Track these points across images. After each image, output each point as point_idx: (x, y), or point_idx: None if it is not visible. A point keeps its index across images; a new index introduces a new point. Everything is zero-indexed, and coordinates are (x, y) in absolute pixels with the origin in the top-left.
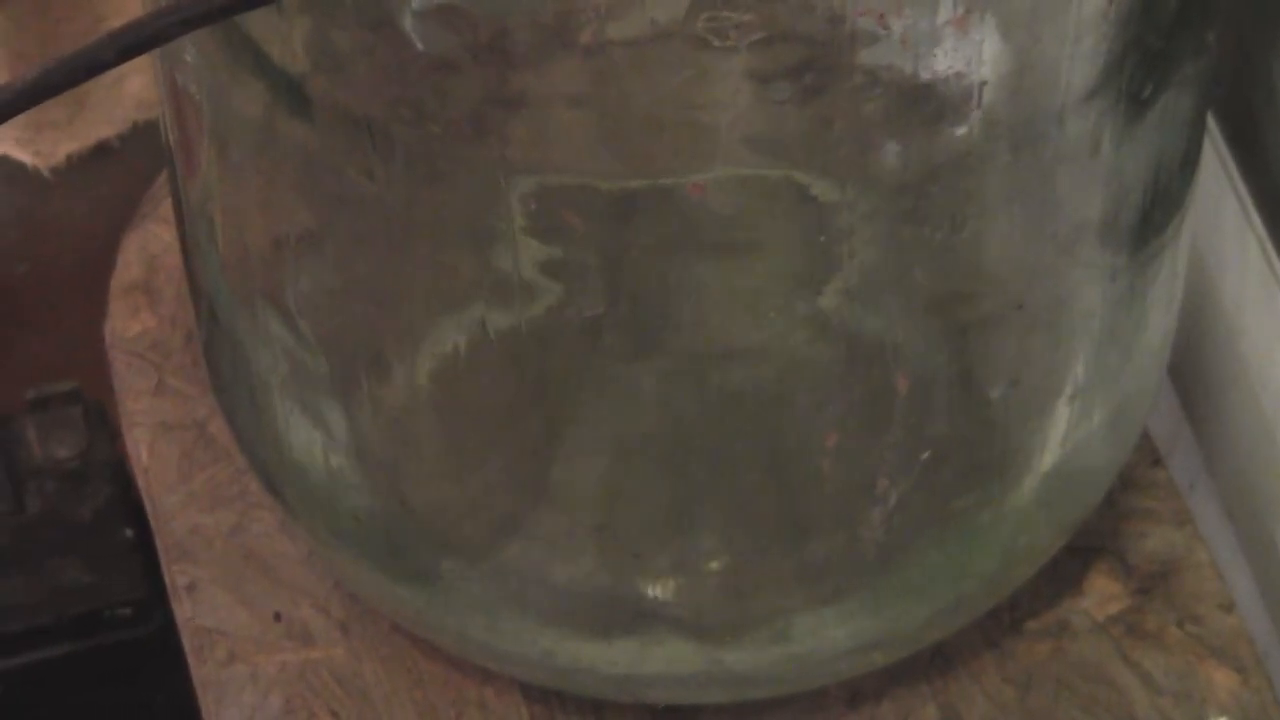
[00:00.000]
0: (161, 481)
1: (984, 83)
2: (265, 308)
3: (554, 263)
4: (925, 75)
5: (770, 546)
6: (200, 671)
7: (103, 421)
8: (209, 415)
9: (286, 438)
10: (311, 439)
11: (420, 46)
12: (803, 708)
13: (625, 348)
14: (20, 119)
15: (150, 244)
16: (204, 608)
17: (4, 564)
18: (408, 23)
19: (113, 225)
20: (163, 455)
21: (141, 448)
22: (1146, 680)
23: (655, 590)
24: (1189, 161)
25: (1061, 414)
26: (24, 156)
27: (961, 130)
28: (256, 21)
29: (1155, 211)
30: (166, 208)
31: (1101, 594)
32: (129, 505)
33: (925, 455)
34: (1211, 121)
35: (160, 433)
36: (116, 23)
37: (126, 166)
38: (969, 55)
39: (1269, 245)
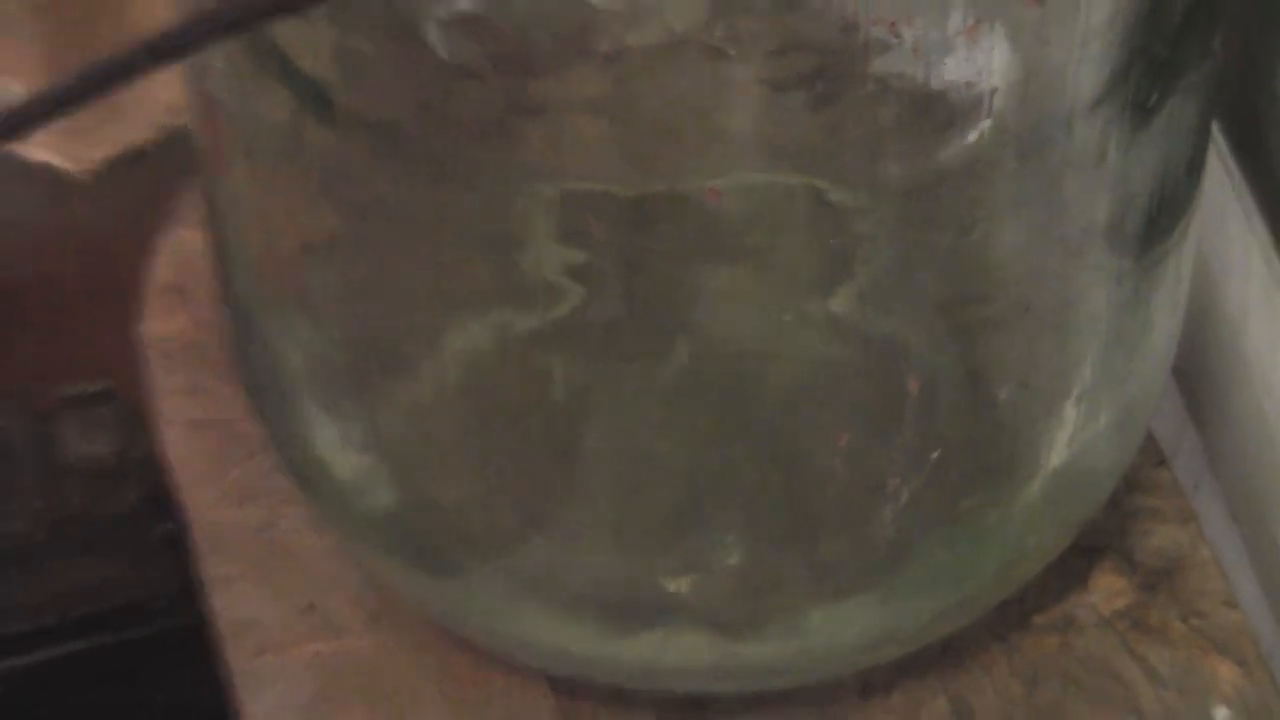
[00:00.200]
0: (194, 478)
1: (993, 91)
2: (293, 309)
3: (575, 266)
4: (936, 83)
5: (784, 543)
6: (233, 663)
7: (136, 420)
8: (239, 414)
9: (314, 435)
10: (338, 437)
11: (443, 55)
12: (816, 699)
13: (644, 349)
14: (54, 125)
15: (182, 247)
16: (236, 601)
17: (41, 559)
18: (431, 32)
19: (145, 228)
20: (195, 452)
21: (174, 445)
22: (1151, 674)
23: (673, 585)
24: (1194, 167)
25: (1068, 415)
26: (58, 161)
27: (971, 137)
28: (283, 30)
29: (1161, 216)
30: (198, 212)
31: (1107, 590)
32: (162, 501)
33: (935, 455)
34: (1216, 128)
35: (192, 430)
36: (147, 30)
37: (158, 171)
38: (979, 64)
39: (1272, 250)
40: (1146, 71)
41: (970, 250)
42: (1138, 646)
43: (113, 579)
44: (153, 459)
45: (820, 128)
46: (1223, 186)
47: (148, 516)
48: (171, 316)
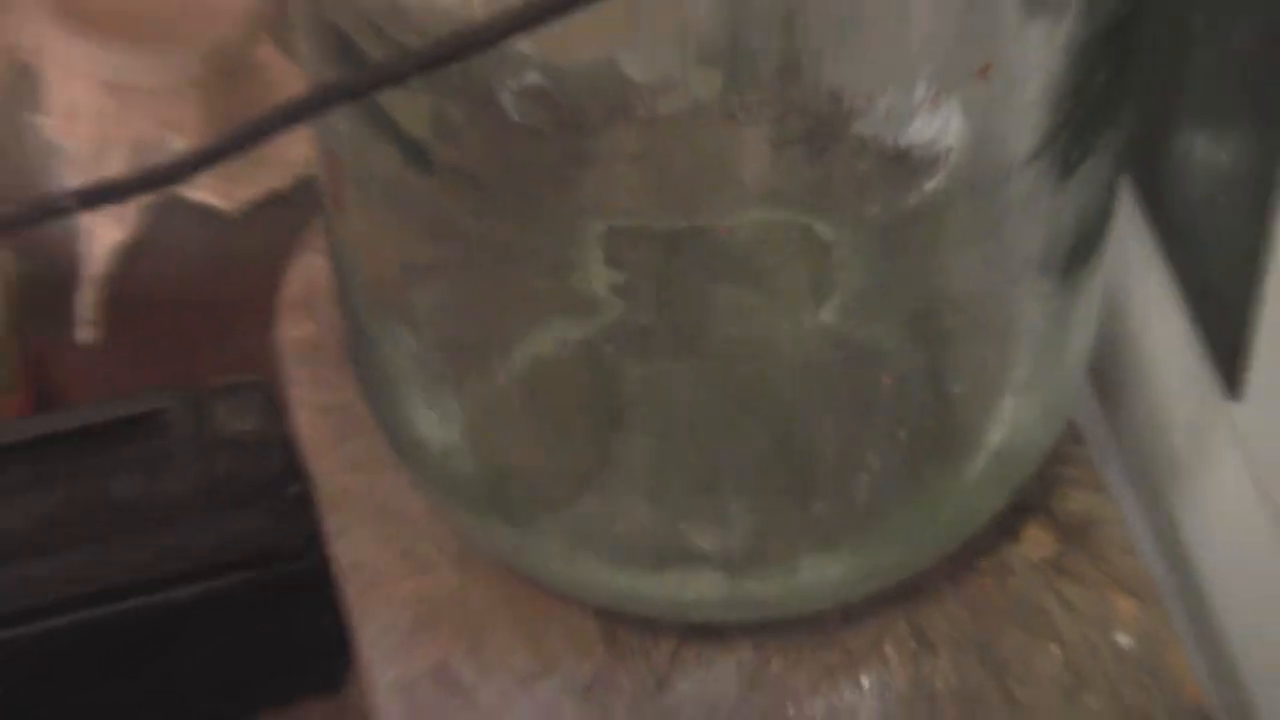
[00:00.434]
0: (318, 450)
1: (949, 149)
2: (396, 319)
3: (618, 285)
4: (904, 142)
5: (783, 504)
6: (349, 596)
7: (274, 404)
8: (354, 399)
9: (412, 418)
10: (430, 419)
11: (515, 118)
12: (805, 626)
13: (673, 350)
14: (213, 171)
15: (311, 270)
16: (351, 547)
17: (199, 514)
18: (506, 100)
19: (282, 255)
20: (319, 430)
21: (303, 424)
22: (1068, 607)
23: (694, 536)
24: (1108, 210)
25: (1007, 405)
26: (214, 200)
27: (932, 184)
28: (390, 98)
29: (1080, 248)
30: (323, 241)
31: (1034, 541)
32: (294, 468)
33: (902, 436)
34: (1125, 179)
35: (317, 413)
36: (283, 99)
37: (293, 209)
38: (938, 128)
39: (1165, 274)
40: (1070, 136)
41: (931, 275)
42: (1058, 586)
43: (255, 530)
44: (287, 435)
45: (812, 177)
46: (1129, 224)
47: (283, 481)
48: (301, 324)
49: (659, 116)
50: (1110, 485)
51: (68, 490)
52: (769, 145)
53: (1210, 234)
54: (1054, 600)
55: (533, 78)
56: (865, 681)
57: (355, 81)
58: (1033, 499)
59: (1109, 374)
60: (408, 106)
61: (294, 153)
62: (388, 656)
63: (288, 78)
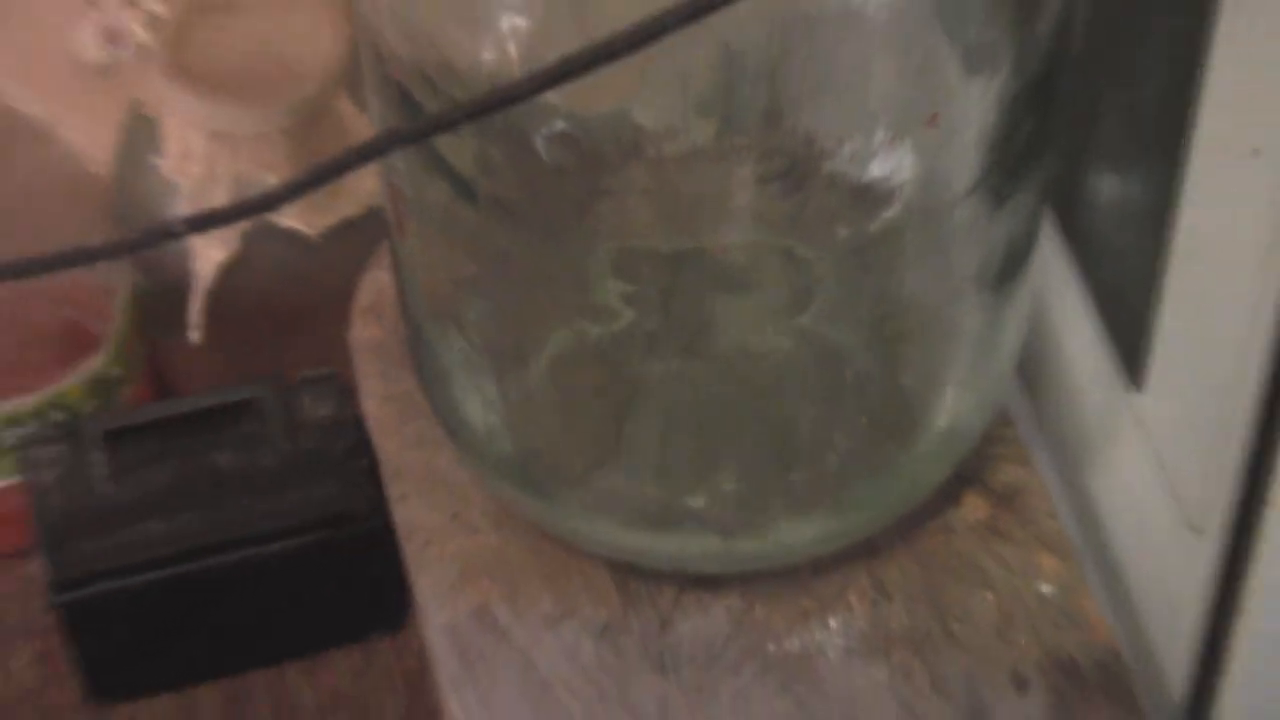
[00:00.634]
0: (384, 431)
1: (904, 183)
2: (447, 323)
3: (629, 295)
4: (866, 178)
5: (766, 477)
6: (408, 552)
7: (348, 393)
8: (413, 389)
9: (460, 405)
10: (475, 406)
11: (545, 158)
12: (784, 577)
13: (675, 350)
14: (298, 202)
15: (378, 283)
16: (410, 511)
17: (284, 484)
18: (539, 143)
19: (354, 270)
20: (385, 414)
21: (372, 410)
22: (1000, 562)
23: (692, 503)
24: (1033, 233)
25: (950, 394)
26: (299, 226)
27: (889, 213)
28: (442, 142)
29: (1010, 265)
30: (388, 259)
31: (973, 507)
32: (364, 445)
33: (864, 420)
34: (1048, 208)
35: (384, 400)
36: (354, 142)
37: (364, 234)
38: (894, 166)
39: (1081, 285)
40: (1003, 173)
41: (890, 287)
42: (992, 545)
43: (332, 497)
44: (358, 418)
45: (791, 206)
46: (1051, 245)
47: (354, 456)
48: (370, 327)
49: (665, 157)
50: (1035, 461)
51: (180, 464)
52: (756, 180)
53: (1117, 252)
54: (988, 556)
55: (560, 125)
56: (833, 623)
57: (414, 128)
58: (971, 472)
59: (1034, 369)
60: (457, 149)
61: (365, 187)
62: (439, 602)
63: (359, 126)
